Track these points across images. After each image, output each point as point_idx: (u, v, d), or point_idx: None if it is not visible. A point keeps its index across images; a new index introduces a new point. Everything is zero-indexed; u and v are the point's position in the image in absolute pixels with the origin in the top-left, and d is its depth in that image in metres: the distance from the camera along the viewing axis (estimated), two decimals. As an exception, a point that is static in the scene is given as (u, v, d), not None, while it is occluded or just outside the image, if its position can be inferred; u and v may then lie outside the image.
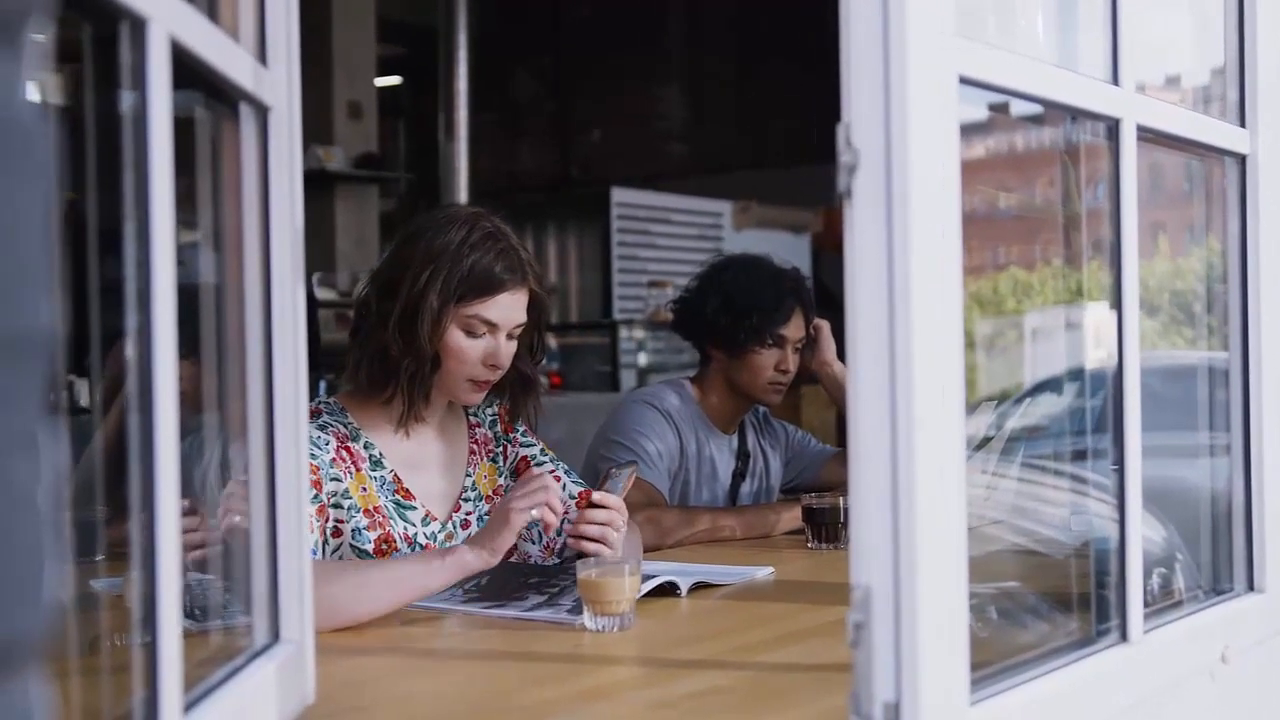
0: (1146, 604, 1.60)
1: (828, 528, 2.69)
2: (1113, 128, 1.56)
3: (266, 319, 1.38)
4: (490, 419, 2.47)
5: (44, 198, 0.58)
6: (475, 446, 2.42)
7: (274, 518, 1.39)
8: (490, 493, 2.41)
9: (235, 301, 1.37)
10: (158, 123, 1.02)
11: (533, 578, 2.17)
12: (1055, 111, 1.66)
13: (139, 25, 1.01)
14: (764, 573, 2.39)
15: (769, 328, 3.02)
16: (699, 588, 2.21)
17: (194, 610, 1.36)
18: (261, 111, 1.37)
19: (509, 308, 2.25)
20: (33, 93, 0.59)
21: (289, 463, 1.41)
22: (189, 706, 1.09)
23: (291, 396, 1.41)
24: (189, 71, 1.13)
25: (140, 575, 1.01)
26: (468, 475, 2.39)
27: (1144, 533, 1.61)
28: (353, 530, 2.19)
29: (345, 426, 2.25)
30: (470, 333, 2.23)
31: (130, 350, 1.02)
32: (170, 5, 1.05)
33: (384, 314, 2.22)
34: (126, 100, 1.02)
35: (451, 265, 2.19)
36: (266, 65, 1.37)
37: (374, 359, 2.24)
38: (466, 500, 2.37)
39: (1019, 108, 1.60)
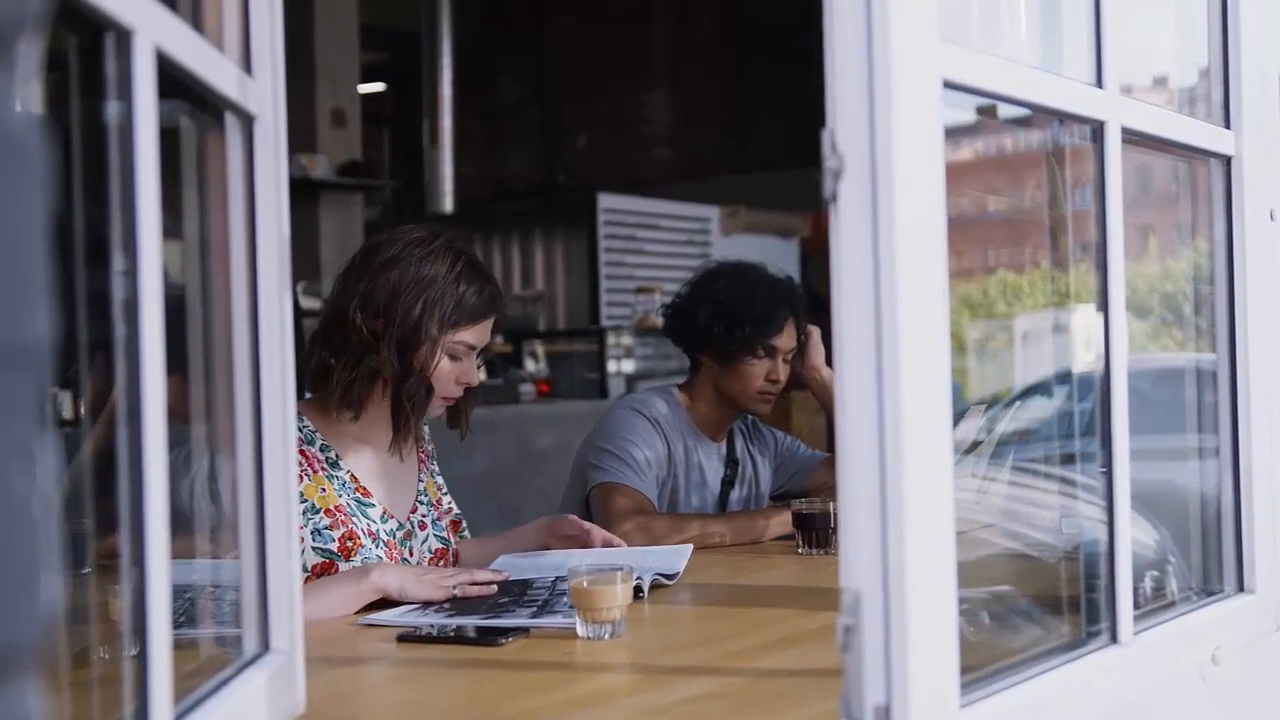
0: (1138, 606, 1.60)
1: (818, 533, 2.68)
2: (1097, 130, 1.57)
3: (254, 329, 1.38)
4: (428, 434, 2.58)
5: (40, 208, 0.58)
6: (424, 456, 2.53)
7: (263, 528, 1.39)
8: (435, 501, 2.52)
9: (222, 312, 1.37)
10: (144, 133, 1.02)
11: (512, 591, 2.17)
12: (1041, 114, 1.66)
13: (124, 36, 1.01)
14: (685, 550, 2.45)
15: (761, 338, 3.01)
16: (657, 587, 2.24)
17: (179, 619, 1.35)
18: (247, 121, 1.37)
19: (487, 331, 2.39)
20: (27, 104, 0.59)
21: (277, 473, 1.40)
22: (179, 717, 1.09)
23: (280, 407, 1.40)
24: (173, 81, 1.12)
25: (130, 587, 1.01)
26: (420, 481, 2.49)
27: (1137, 536, 1.61)
28: (313, 532, 2.25)
29: (300, 430, 2.30)
30: (453, 357, 2.34)
31: (118, 362, 1.01)
32: (156, 15, 1.05)
33: (374, 337, 2.28)
34: (112, 110, 1.02)
35: (444, 295, 2.30)
36: (251, 75, 1.37)
37: (364, 380, 2.30)
38: (422, 503, 2.47)
39: (1006, 110, 1.60)
